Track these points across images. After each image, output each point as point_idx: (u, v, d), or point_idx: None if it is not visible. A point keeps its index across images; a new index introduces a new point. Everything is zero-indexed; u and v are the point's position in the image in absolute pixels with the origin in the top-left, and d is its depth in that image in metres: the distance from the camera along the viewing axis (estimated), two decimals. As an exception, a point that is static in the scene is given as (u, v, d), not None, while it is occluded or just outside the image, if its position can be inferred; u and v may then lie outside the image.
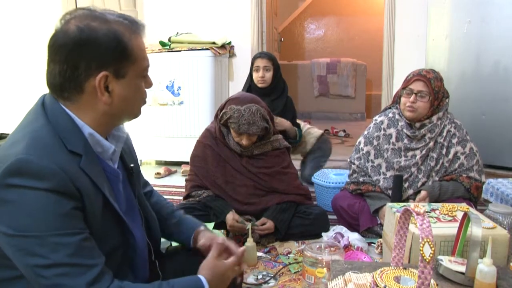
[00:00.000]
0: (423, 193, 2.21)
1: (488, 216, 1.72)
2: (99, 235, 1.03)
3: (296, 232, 2.32)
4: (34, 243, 0.92)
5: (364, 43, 7.06)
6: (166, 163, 4.00)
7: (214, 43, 3.95)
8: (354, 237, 2.18)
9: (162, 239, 1.40)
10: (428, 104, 2.22)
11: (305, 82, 6.65)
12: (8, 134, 1.07)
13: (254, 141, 2.31)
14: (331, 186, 2.76)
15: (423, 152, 2.29)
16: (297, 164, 2.89)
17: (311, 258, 1.68)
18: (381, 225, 2.23)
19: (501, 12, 3.26)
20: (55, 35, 1.02)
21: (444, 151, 2.30)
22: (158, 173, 3.67)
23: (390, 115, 2.40)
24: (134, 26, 1.08)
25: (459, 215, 1.71)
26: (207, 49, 3.82)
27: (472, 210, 1.73)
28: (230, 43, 4.26)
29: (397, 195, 2.24)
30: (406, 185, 2.30)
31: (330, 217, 2.44)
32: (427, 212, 1.79)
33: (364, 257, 2.01)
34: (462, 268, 1.31)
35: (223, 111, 2.29)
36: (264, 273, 1.97)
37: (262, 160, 2.38)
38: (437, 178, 2.29)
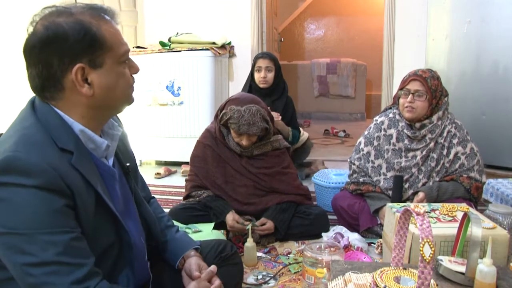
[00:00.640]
0: (420, 194, 2.21)
1: (488, 216, 1.72)
2: (92, 232, 1.02)
3: (296, 232, 2.32)
4: (23, 241, 0.92)
5: (364, 43, 7.06)
6: (166, 163, 4.00)
7: (214, 43, 3.95)
8: (354, 237, 2.18)
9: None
10: (426, 103, 2.22)
11: (305, 82, 6.65)
12: (0, 134, 1.07)
13: (254, 142, 2.31)
14: (331, 186, 2.76)
15: (424, 152, 2.29)
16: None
17: (311, 258, 1.68)
18: (381, 225, 2.23)
19: (501, 12, 3.26)
20: (26, 39, 1.02)
21: (444, 152, 2.29)
22: (158, 173, 3.67)
23: (391, 115, 2.40)
24: (102, 13, 1.07)
25: (459, 215, 1.71)
26: (207, 49, 3.82)
27: (472, 210, 1.73)
28: (230, 43, 4.26)
29: (397, 196, 2.24)
30: (406, 185, 2.30)
31: (330, 217, 2.44)
32: (427, 212, 1.79)
33: (364, 257, 2.01)
34: (462, 268, 1.31)
35: (223, 111, 2.29)
36: (264, 273, 1.97)
37: (262, 160, 2.38)
38: (437, 179, 2.29)
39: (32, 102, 1.06)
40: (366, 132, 2.46)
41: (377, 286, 1.09)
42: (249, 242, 2.06)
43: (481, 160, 2.32)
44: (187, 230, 2.11)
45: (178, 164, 3.86)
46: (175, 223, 1.51)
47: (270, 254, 2.18)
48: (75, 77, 1.01)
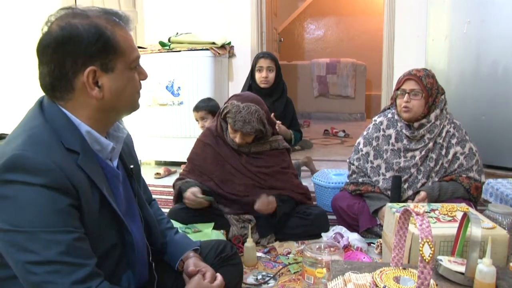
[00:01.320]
0: (422, 193, 2.21)
1: (487, 216, 1.72)
2: (96, 232, 1.03)
3: (295, 232, 2.32)
4: (27, 238, 0.92)
5: (364, 43, 7.06)
6: (166, 164, 4.00)
7: (213, 43, 3.95)
8: (353, 237, 2.19)
9: None
10: (423, 101, 2.23)
11: (304, 82, 6.65)
12: (7, 134, 1.08)
13: (248, 142, 2.30)
14: (330, 186, 2.75)
15: (423, 153, 2.29)
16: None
17: (311, 258, 1.68)
18: (381, 225, 2.23)
19: (501, 12, 3.26)
20: (40, 38, 1.03)
21: (443, 152, 2.30)
22: (157, 173, 3.67)
23: (389, 115, 2.40)
24: (117, 19, 1.08)
25: (459, 215, 1.71)
26: (206, 49, 3.82)
27: (471, 210, 1.73)
28: (229, 43, 4.27)
29: (396, 196, 2.24)
30: (405, 186, 2.30)
31: (329, 217, 2.44)
32: (426, 212, 1.80)
33: (364, 257, 2.01)
34: (462, 268, 1.31)
35: (225, 105, 2.30)
36: (264, 273, 1.97)
37: (261, 159, 2.38)
38: (436, 179, 2.29)
39: (40, 102, 1.07)
40: (365, 133, 2.46)
41: (377, 286, 1.09)
42: (249, 242, 2.06)
43: (480, 160, 2.33)
44: (187, 230, 2.11)
45: (178, 164, 3.86)
46: (175, 224, 1.51)
47: (269, 254, 2.18)
48: (86, 80, 1.02)
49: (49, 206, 0.94)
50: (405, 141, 2.32)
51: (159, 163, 4.08)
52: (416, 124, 2.28)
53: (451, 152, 2.29)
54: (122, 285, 1.12)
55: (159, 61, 3.80)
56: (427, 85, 2.22)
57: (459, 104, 3.26)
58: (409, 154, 2.32)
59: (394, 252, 1.19)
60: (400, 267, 1.18)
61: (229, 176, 2.35)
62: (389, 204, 1.93)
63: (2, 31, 4.57)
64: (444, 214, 1.75)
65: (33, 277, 0.92)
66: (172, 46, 3.93)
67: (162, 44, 3.97)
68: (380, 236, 2.22)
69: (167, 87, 3.83)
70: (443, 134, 2.30)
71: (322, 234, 2.28)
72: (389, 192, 2.30)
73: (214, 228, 2.18)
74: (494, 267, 1.22)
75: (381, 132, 2.39)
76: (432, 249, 0.96)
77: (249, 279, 1.91)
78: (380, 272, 1.16)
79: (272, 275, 1.95)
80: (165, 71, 3.80)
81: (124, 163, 1.23)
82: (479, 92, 3.41)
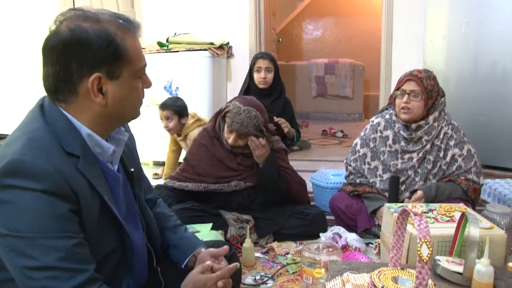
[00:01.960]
0: (419, 192, 2.21)
1: (485, 216, 1.73)
2: (96, 237, 1.02)
3: (294, 232, 2.32)
4: (26, 244, 0.92)
5: (362, 43, 7.06)
6: (164, 164, 3.99)
7: (212, 43, 3.95)
8: (352, 238, 2.18)
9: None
10: (422, 103, 2.22)
11: (303, 82, 6.65)
12: (7, 135, 1.07)
13: (241, 145, 2.30)
14: (329, 186, 2.75)
15: (420, 154, 2.29)
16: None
17: (309, 259, 1.68)
18: (379, 226, 2.23)
19: (498, 13, 3.27)
20: (48, 37, 1.01)
21: (441, 154, 2.29)
22: (156, 174, 3.67)
23: (387, 116, 2.40)
24: (128, 25, 1.06)
25: (457, 215, 1.71)
26: (205, 49, 3.82)
27: (469, 211, 1.74)
28: (228, 43, 4.27)
29: (394, 197, 2.24)
30: (403, 188, 2.30)
31: (328, 217, 2.44)
32: (424, 212, 1.80)
33: (362, 258, 2.01)
34: (460, 268, 1.31)
35: (227, 104, 2.31)
36: (262, 273, 1.97)
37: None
38: (434, 181, 2.29)
39: (41, 104, 1.06)
40: (362, 133, 2.45)
41: (375, 286, 1.10)
42: (247, 243, 2.06)
43: (479, 162, 2.32)
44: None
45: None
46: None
47: (268, 254, 2.18)
48: (91, 86, 1.01)
49: (48, 211, 0.93)
50: (402, 143, 2.32)
51: (157, 164, 4.07)
52: (413, 126, 2.28)
53: (449, 154, 2.29)
54: None
55: (157, 62, 3.79)
56: (427, 87, 2.21)
57: (457, 104, 3.26)
58: (407, 156, 2.32)
59: (392, 252, 1.19)
60: (398, 267, 1.18)
61: (225, 175, 2.34)
62: (387, 205, 1.93)
63: (2, 31, 4.56)
64: (442, 214, 1.76)
65: (32, 282, 0.92)
66: (170, 46, 3.93)
67: (160, 44, 3.97)
68: (378, 237, 2.22)
69: (165, 87, 3.82)
70: (441, 136, 2.30)
71: (320, 234, 2.28)
72: (386, 193, 2.30)
73: (212, 228, 2.18)
74: (492, 267, 1.23)
75: (378, 133, 2.38)
76: (430, 249, 0.96)
77: (248, 279, 1.91)
78: (378, 272, 1.16)
79: (270, 276, 1.94)
80: (163, 71, 3.80)
81: (124, 166, 1.22)
82: (477, 92, 3.41)
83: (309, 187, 2.73)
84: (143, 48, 3.94)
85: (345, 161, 2.50)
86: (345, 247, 2.12)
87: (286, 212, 2.37)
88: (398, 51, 4.03)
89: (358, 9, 7.22)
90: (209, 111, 3.76)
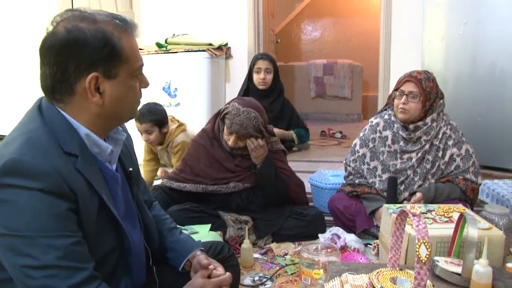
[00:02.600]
0: (418, 194, 2.21)
1: (484, 217, 1.73)
2: (94, 236, 1.03)
3: (292, 233, 2.32)
4: (24, 243, 0.92)
5: (361, 44, 7.07)
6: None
7: (210, 44, 3.96)
8: (350, 238, 2.19)
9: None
10: (420, 104, 2.23)
11: (301, 83, 6.66)
12: (4, 135, 1.07)
13: (241, 146, 2.30)
14: (327, 187, 2.75)
15: (419, 154, 2.29)
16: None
17: (308, 260, 1.69)
18: (378, 226, 2.24)
19: (497, 13, 3.27)
20: (45, 37, 1.02)
21: (440, 154, 2.30)
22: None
23: (386, 117, 2.40)
24: (125, 25, 1.07)
25: (455, 216, 1.71)
26: (203, 50, 3.83)
27: (468, 211, 1.74)
28: (226, 44, 4.27)
29: (392, 197, 2.24)
30: (402, 188, 2.30)
31: (326, 218, 2.44)
32: (423, 213, 1.80)
33: (361, 258, 2.01)
34: (458, 269, 1.31)
35: (226, 105, 2.31)
36: (261, 274, 1.97)
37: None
38: (433, 181, 2.29)
39: (38, 104, 1.06)
40: (361, 134, 2.46)
41: (374, 287, 1.10)
42: (246, 244, 2.06)
43: (477, 162, 2.33)
44: (184, 232, 2.10)
45: (175, 165, 3.86)
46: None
47: (266, 255, 2.18)
48: (88, 86, 1.02)
49: (47, 210, 0.93)
50: (401, 143, 2.32)
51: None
52: (411, 126, 2.28)
53: (448, 153, 2.29)
54: None
55: (156, 63, 3.79)
56: (426, 89, 2.22)
57: (456, 105, 3.27)
58: (406, 156, 2.32)
59: (391, 253, 1.19)
60: (397, 268, 1.18)
61: (224, 177, 2.34)
62: (386, 205, 1.94)
63: (0, 31, 4.56)
64: (441, 215, 1.76)
65: (31, 281, 0.92)
66: (169, 47, 3.94)
67: (159, 45, 3.97)
68: (377, 237, 2.22)
69: (164, 88, 3.83)
70: (440, 136, 2.30)
71: (319, 235, 2.28)
72: (385, 194, 2.30)
73: (211, 229, 2.18)
74: (491, 267, 1.23)
75: (378, 134, 2.39)
76: (429, 250, 0.96)
77: (246, 280, 1.91)
78: (377, 273, 1.16)
79: (269, 276, 1.94)
80: (162, 72, 3.80)
81: (123, 166, 1.22)
82: (476, 93, 3.42)
83: (308, 188, 2.73)
84: (141, 49, 3.95)
85: (344, 161, 2.50)
86: (344, 248, 2.12)
87: (285, 213, 2.36)
88: (397, 52, 4.04)
89: (357, 10, 7.23)
90: (207, 112, 3.76)
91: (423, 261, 0.96)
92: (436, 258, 1.38)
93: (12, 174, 0.92)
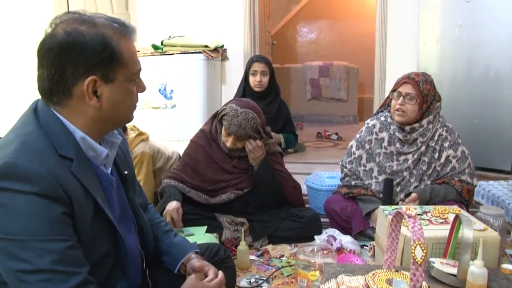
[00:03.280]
0: (413, 195, 2.22)
1: (479, 218, 1.74)
2: (89, 240, 1.02)
3: (288, 235, 2.32)
4: (19, 247, 0.91)
5: (357, 46, 7.09)
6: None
7: (206, 46, 3.96)
8: (346, 240, 2.19)
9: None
10: (417, 106, 2.23)
11: (297, 85, 6.66)
12: (0, 137, 1.07)
13: (239, 148, 2.30)
14: (323, 189, 2.76)
15: (415, 156, 2.30)
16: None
17: (304, 261, 1.68)
18: (373, 228, 2.24)
19: (491, 16, 3.29)
20: (44, 39, 1.01)
21: (436, 155, 2.31)
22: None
23: (382, 118, 2.41)
24: (124, 30, 1.07)
25: (451, 217, 1.72)
26: (199, 52, 3.83)
27: (463, 212, 1.75)
28: (222, 46, 4.27)
29: (388, 199, 2.25)
30: (398, 189, 2.31)
31: (322, 220, 2.44)
32: (419, 214, 1.80)
33: (357, 260, 2.01)
34: (454, 270, 1.32)
35: (223, 107, 2.31)
36: (257, 276, 1.97)
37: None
38: (429, 182, 2.30)
39: (34, 107, 1.05)
40: (357, 136, 2.46)
41: (370, 288, 1.10)
42: (242, 246, 2.06)
43: (472, 163, 2.34)
44: (180, 233, 2.10)
45: (171, 167, 3.85)
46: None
47: (262, 257, 2.18)
48: (86, 89, 1.01)
49: (42, 214, 0.93)
50: (397, 145, 2.33)
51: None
52: (407, 128, 2.29)
53: (444, 155, 2.30)
54: None
55: (152, 64, 3.79)
56: (423, 91, 2.23)
57: (451, 107, 3.28)
58: (402, 158, 2.33)
59: (386, 254, 1.20)
60: (393, 269, 1.18)
61: (221, 178, 2.34)
62: (381, 207, 1.94)
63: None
64: (436, 216, 1.76)
65: (25, 285, 0.91)
66: (165, 49, 3.93)
67: (155, 47, 3.97)
68: (373, 239, 2.22)
69: (160, 90, 3.82)
70: (436, 138, 2.31)
71: (315, 237, 2.29)
72: (381, 195, 2.31)
73: (207, 231, 2.17)
74: (486, 268, 1.23)
75: (374, 135, 2.39)
76: (424, 251, 0.97)
77: (242, 282, 1.91)
78: (373, 274, 1.16)
79: (265, 278, 1.94)
80: (158, 74, 3.80)
81: (118, 169, 1.22)
82: (471, 95, 3.43)
83: (304, 190, 2.73)
84: (137, 51, 3.94)
85: (340, 163, 2.51)
86: (340, 250, 2.12)
87: (281, 214, 2.36)
88: (392, 54, 4.06)
89: (353, 12, 7.25)
90: (203, 114, 3.76)
91: (419, 262, 0.96)
92: (431, 259, 1.39)
93: (7, 177, 0.92)
